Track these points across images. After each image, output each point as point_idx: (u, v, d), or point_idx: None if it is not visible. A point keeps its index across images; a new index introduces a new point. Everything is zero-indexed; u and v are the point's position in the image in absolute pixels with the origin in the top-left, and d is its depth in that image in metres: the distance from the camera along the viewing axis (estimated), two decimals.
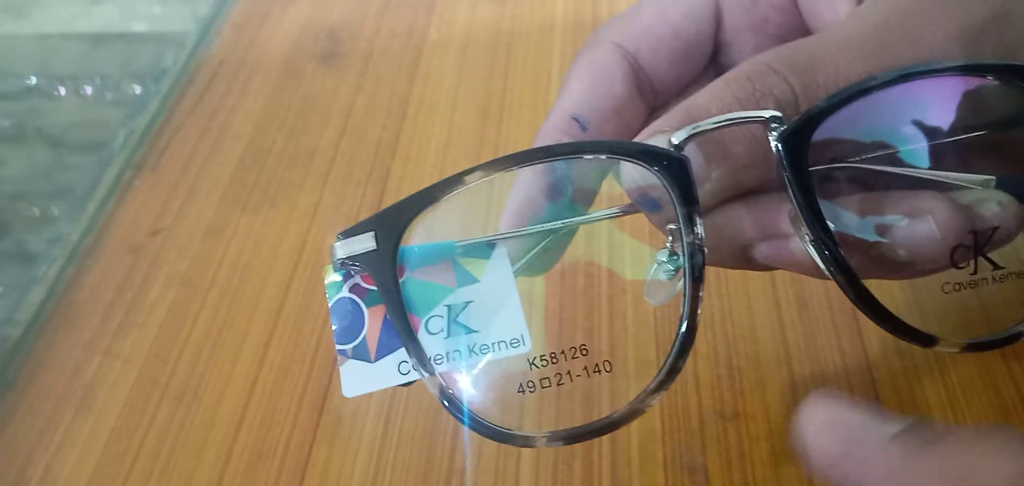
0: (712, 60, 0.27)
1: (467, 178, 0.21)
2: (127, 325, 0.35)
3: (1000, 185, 0.21)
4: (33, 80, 0.50)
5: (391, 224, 0.21)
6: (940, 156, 0.21)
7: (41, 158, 0.46)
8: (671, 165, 0.20)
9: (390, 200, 0.39)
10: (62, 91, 0.49)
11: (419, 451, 0.29)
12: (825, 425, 0.18)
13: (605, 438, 0.29)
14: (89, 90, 0.49)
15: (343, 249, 0.21)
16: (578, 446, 0.29)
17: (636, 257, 0.31)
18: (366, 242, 0.21)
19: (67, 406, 0.32)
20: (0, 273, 0.39)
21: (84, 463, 0.31)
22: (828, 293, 0.33)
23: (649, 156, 0.21)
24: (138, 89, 0.48)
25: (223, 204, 0.40)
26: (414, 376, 0.21)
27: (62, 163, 0.45)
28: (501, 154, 0.41)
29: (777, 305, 0.33)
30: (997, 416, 0.28)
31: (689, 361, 0.31)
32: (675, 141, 0.21)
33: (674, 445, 0.29)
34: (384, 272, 0.21)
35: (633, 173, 0.21)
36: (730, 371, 0.31)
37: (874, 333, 0.31)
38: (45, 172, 0.45)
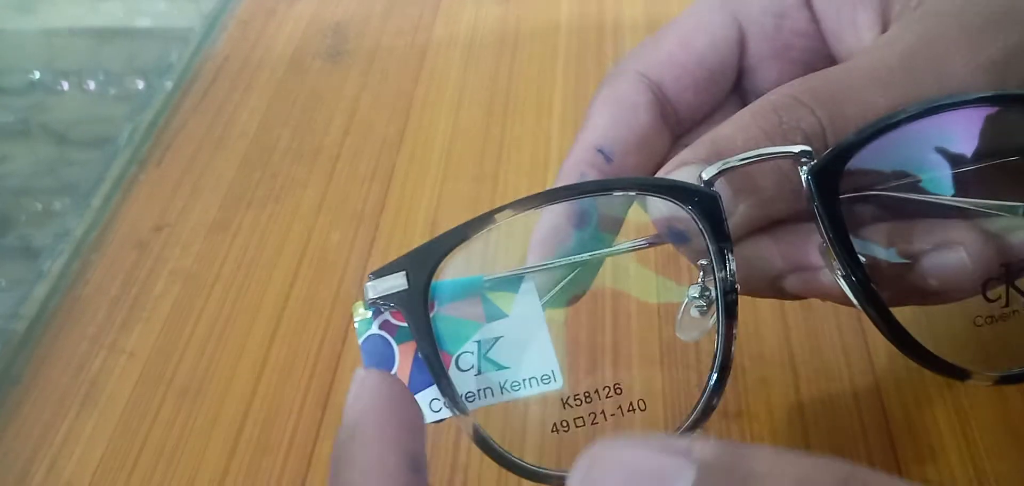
0: (735, 86, 0.27)
1: (498, 216, 0.21)
2: (131, 320, 0.35)
3: None
4: (37, 75, 0.51)
5: (422, 263, 0.21)
6: (970, 186, 0.21)
7: (46, 154, 0.46)
8: (702, 201, 0.20)
9: (394, 197, 0.39)
10: (66, 86, 0.49)
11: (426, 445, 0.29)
12: None
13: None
14: (93, 86, 0.49)
15: (375, 289, 0.21)
16: (575, 449, 0.28)
17: (666, 290, 0.31)
18: (397, 281, 0.21)
19: (72, 401, 0.32)
20: (4, 268, 0.39)
21: (89, 458, 0.31)
22: None
23: (680, 193, 0.21)
24: (142, 85, 0.48)
25: (227, 200, 0.40)
26: (446, 414, 0.21)
27: (66, 159, 0.45)
28: (506, 152, 0.41)
29: (781, 304, 0.32)
30: (1000, 417, 0.28)
31: (692, 358, 0.31)
32: (705, 177, 0.20)
33: None
34: (416, 310, 0.20)
35: (661, 207, 0.21)
36: (734, 369, 0.31)
37: (878, 334, 0.31)
38: (50, 168, 0.45)
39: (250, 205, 0.39)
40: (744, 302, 0.32)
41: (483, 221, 0.21)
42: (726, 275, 0.20)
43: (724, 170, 0.20)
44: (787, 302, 0.33)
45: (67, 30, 0.55)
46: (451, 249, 0.21)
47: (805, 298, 0.23)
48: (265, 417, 0.31)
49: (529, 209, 0.21)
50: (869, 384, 0.30)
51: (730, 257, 0.20)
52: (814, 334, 0.31)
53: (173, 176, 0.41)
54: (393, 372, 0.21)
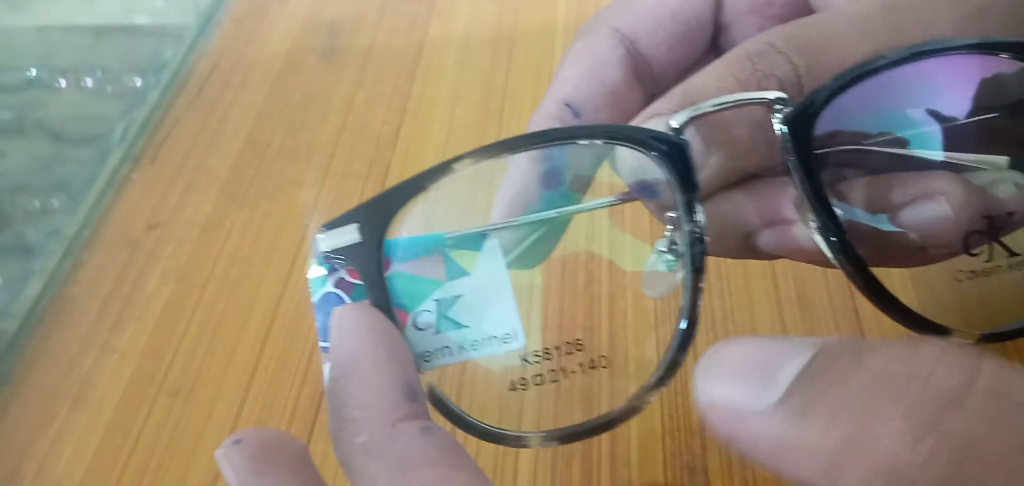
0: (712, 44, 0.26)
1: (456, 166, 0.20)
2: (123, 320, 0.35)
3: (1015, 167, 0.20)
4: (34, 72, 0.50)
5: (376, 215, 0.20)
6: (952, 139, 0.20)
7: (41, 151, 0.45)
8: (670, 149, 0.19)
9: None
10: (62, 83, 0.49)
11: None
12: (710, 409, 0.16)
13: (604, 436, 0.28)
14: (89, 83, 0.49)
15: (326, 242, 0.20)
16: (577, 444, 0.28)
17: (636, 248, 0.30)
18: (350, 234, 0.20)
19: (63, 401, 0.32)
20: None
21: (79, 458, 0.30)
22: (829, 291, 0.32)
23: (646, 140, 0.20)
24: (138, 82, 0.48)
25: (221, 198, 0.40)
26: None
27: (62, 156, 0.45)
28: None
29: (779, 304, 0.32)
30: None
31: (690, 359, 0.31)
32: (674, 125, 0.20)
33: (674, 444, 0.28)
34: (369, 265, 0.20)
35: (629, 159, 0.20)
36: None
37: (876, 333, 0.31)
38: (45, 165, 0.44)
39: (243, 204, 0.39)
40: (741, 302, 0.32)
41: (441, 170, 0.20)
42: (694, 227, 0.19)
43: (694, 117, 0.19)
44: (785, 302, 0.32)
45: (63, 27, 0.54)
46: (407, 200, 0.20)
47: (780, 257, 0.22)
48: (258, 418, 0.31)
49: (489, 157, 0.20)
50: None
51: (698, 208, 0.19)
52: (811, 334, 0.31)
53: (166, 174, 0.41)
54: None
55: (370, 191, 0.39)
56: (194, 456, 0.30)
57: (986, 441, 0.13)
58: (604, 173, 0.22)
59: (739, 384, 0.15)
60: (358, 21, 0.50)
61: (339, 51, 0.48)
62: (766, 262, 0.34)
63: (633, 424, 0.29)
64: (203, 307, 0.35)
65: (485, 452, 0.29)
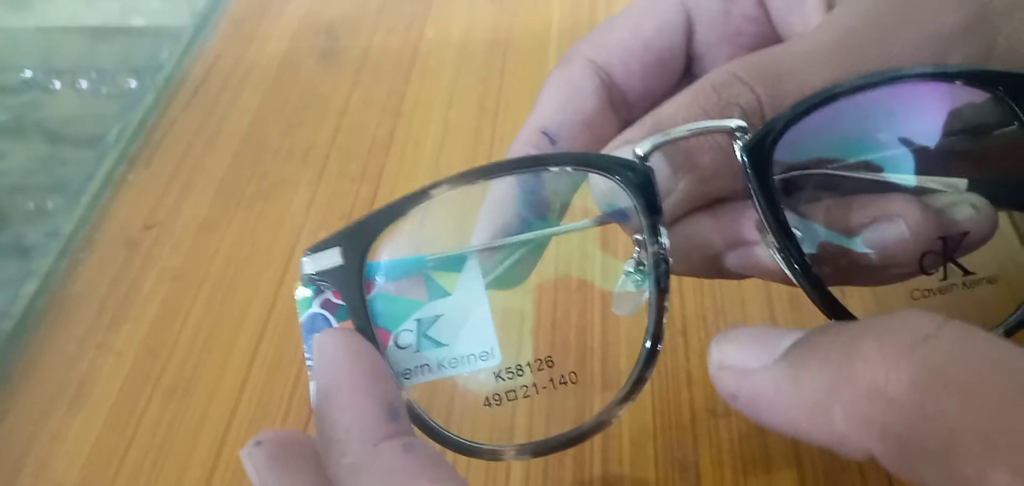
0: (685, 73, 0.27)
1: (433, 192, 0.21)
2: (120, 319, 0.35)
3: (973, 189, 0.21)
4: (30, 74, 0.51)
5: (357, 239, 0.21)
6: (910, 162, 0.21)
7: (39, 152, 0.46)
8: (635, 176, 0.20)
9: (384, 198, 0.39)
10: (58, 85, 0.49)
11: None
12: (719, 369, 0.18)
13: (596, 436, 0.29)
14: (86, 84, 0.49)
15: (311, 265, 0.21)
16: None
17: (609, 270, 0.31)
18: (333, 257, 0.21)
19: (61, 400, 0.32)
20: None
21: (77, 456, 0.31)
22: None
23: (612, 167, 0.21)
24: (134, 83, 0.48)
25: (218, 199, 0.40)
26: None
27: (59, 157, 0.45)
28: (496, 153, 0.41)
29: (770, 303, 0.33)
30: None
31: (681, 358, 0.31)
32: (639, 152, 0.21)
33: (666, 442, 0.29)
34: (351, 287, 0.21)
35: (601, 184, 0.21)
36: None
37: None
38: (43, 166, 0.45)
39: (240, 204, 0.39)
40: (733, 301, 0.33)
41: (419, 197, 0.21)
42: (658, 249, 0.20)
43: (659, 145, 0.20)
44: (776, 301, 0.33)
45: (61, 28, 0.55)
46: (387, 224, 0.21)
47: (746, 276, 0.23)
48: (252, 416, 0.31)
49: (464, 184, 0.21)
50: None
51: (662, 231, 0.20)
52: (802, 327, 0.31)
53: (163, 175, 0.41)
54: None
55: (365, 193, 0.40)
56: (190, 454, 0.30)
57: (952, 367, 0.15)
58: (581, 197, 0.23)
59: (746, 346, 0.18)
60: (355, 23, 0.50)
61: (336, 53, 0.48)
62: None
63: (625, 422, 0.29)
64: (199, 306, 0.35)
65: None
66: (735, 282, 0.33)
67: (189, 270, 0.37)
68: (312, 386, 0.20)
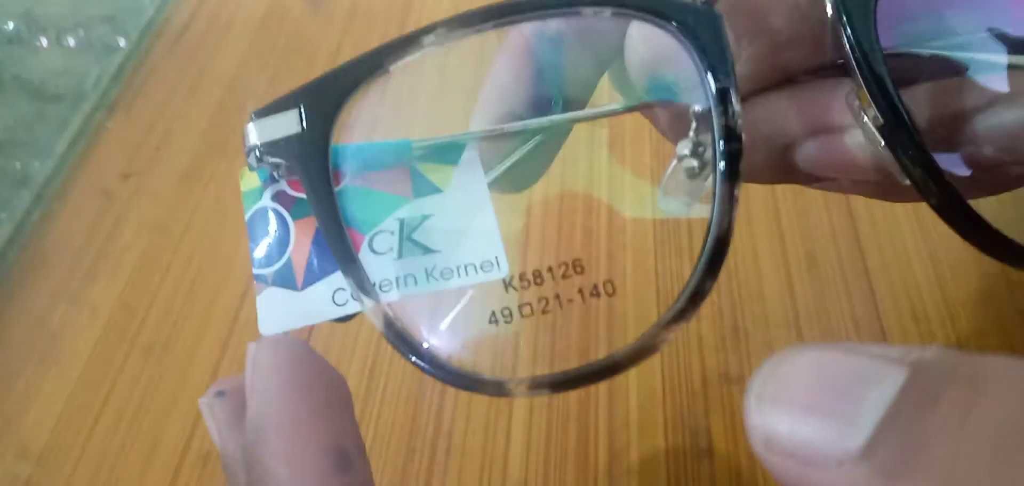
0: None
1: (425, 39, 0.16)
2: (95, 273, 0.33)
3: None
4: (11, 25, 0.48)
5: (322, 99, 0.16)
6: None
7: (22, 110, 0.43)
8: (698, 23, 0.16)
9: None
10: (44, 42, 0.47)
11: (404, 409, 0.28)
12: (767, 449, 0.12)
13: (602, 397, 0.27)
14: (72, 42, 0.46)
15: (259, 132, 0.15)
16: (574, 405, 0.27)
17: (639, 166, 0.26)
18: (289, 123, 0.15)
19: (30, 357, 0.30)
20: None
21: (47, 415, 0.29)
22: (839, 252, 0.31)
23: (668, 11, 0.16)
24: (115, 28, 0.45)
25: (201, 149, 0.38)
26: (353, 307, 0.16)
27: (43, 113, 0.43)
28: None
29: (786, 264, 0.31)
30: None
31: (692, 320, 0.30)
32: None
33: (675, 407, 0.27)
34: (313, 165, 0.16)
35: (642, 46, 0.17)
36: (735, 332, 0.29)
37: (887, 296, 0.30)
38: (27, 122, 0.42)
39: (224, 154, 0.37)
40: (747, 262, 0.31)
41: (405, 45, 0.16)
42: (728, 120, 0.15)
43: None
44: (793, 262, 0.31)
45: None
46: (360, 82, 0.16)
47: (820, 177, 0.18)
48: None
49: (468, 30, 0.16)
50: None
51: (733, 97, 0.15)
52: (820, 297, 0.30)
53: (143, 123, 0.39)
54: (287, 255, 0.16)
55: None
56: (168, 415, 0.28)
57: None
58: (602, 88, 0.18)
59: (807, 419, 0.12)
60: None
61: None
62: (772, 219, 0.32)
63: (632, 385, 0.27)
64: (179, 261, 0.33)
65: (476, 411, 0.27)
66: (748, 240, 0.31)
67: (169, 222, 0.35)
68: (248, 352, 0.15)
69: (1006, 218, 0.16)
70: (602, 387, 0.20)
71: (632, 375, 0.18)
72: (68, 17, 0.47)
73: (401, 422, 0.27)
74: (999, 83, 0.17)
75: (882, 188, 0.17)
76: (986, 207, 0.16)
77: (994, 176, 0.17)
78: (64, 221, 0.35)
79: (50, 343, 0.31)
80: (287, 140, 0.15)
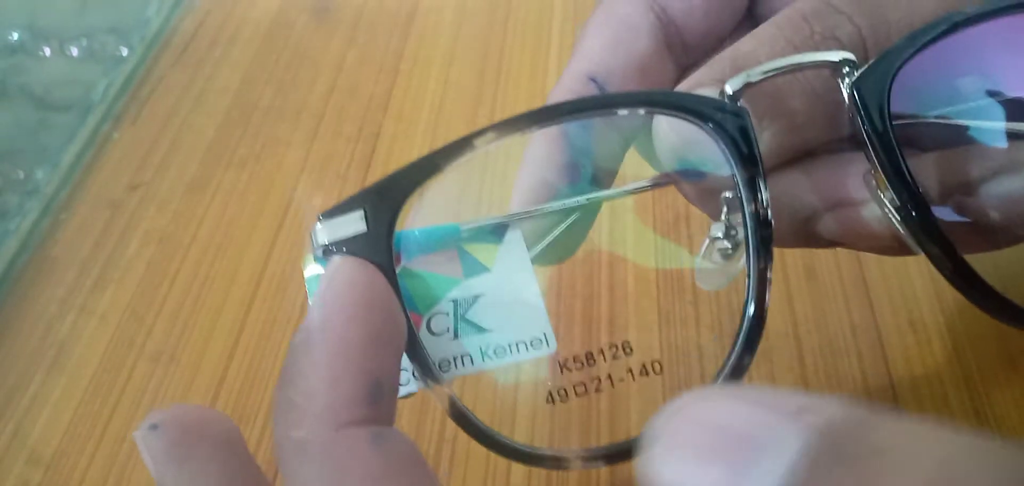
0: (748, 13, 0.24)
1: (477, 142, 0.17)
2: (103, 281, 0.33)
3: None
4: (16, 36, 0.48)
5: (385, 200, 0.17)
6: None
7: (24, 117, 0.44)
8: (727, 118, 0.17)
9: (381, 159, 0.37)
10: (48, 51, 0.47)
11: (409, 418, 0.28)
12: None
13: (603, 410, 0.27)
14: (71, 41, 0.47)
15: (326, 233, 0.17)
16: (576, 416, 0.27)
17: (668, 241, 0.27)
18: (354, 223, 0.17)
19: (39, 364, 0.31)
20: None
21: (56, 422, 0.29)
22: (838, 263, 0.31)
23: (700, 109, 0.17)
24: (121, 39, 0.46)
25: (207, 159, 0.38)
26: (415, 386, 0.17)
27: (46, 122, 0.43)
28: (500, 114, 0.39)
29: (785, 274, 0.31)
30: (1017, 397, 0.27)
31: (692, 331, 0.30)
32: (729, 91, 0.17)
33: None
34: (378, 261, 0.17)
35: (671, 134, 0.18)
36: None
37: (886, 305, 0.30)
38: (31, 131, 0.43)
39: (230, 164, 0.38)
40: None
41: (459, 148, 0.17)
42: (758, 207, 0.17)
43: (751, 83, 0.17)
44: (791, 272, 0.31)
45: None
46: (419, 183, 0.17)
47: (842, 245, 0.20)
48: (242, 385, 0.30)
49: (516, 132, 0.18)
50: (877, 360, 0.28)
51: (761, 186, 0.17)
52: (819, 306, 0.30)
53: (149, 133, 0.40)
54: None
55: (361, 153, 0.38)
56: None
57: None
58: (628, 162, 0.20)
59: (702, 468, 0.11)
60: None
61: (331, 10, 0.46)
62: None
63: (634, 397, 0.27)
64: (186, 269, 0.33)
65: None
66: None
67: (176, 232, 0.35)
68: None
69: (1010, 276, 0.18)
70: (604, 397, 0.21)
71: (633, 386, 0.19)
72: (71, 27, 0.47)
73: (405, 431, 0.28)
74: (1005, 150, 0.18)
75: (898, 250, 0.18)
76: (995, 266, 0.18)
77: (999, 236, 0.18)
78: (72, 231, 0.36)
79: (59, 351, 0.31)
80: (354, 238, 0.17)
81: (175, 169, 0.38)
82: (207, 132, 0.39)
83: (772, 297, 0.30)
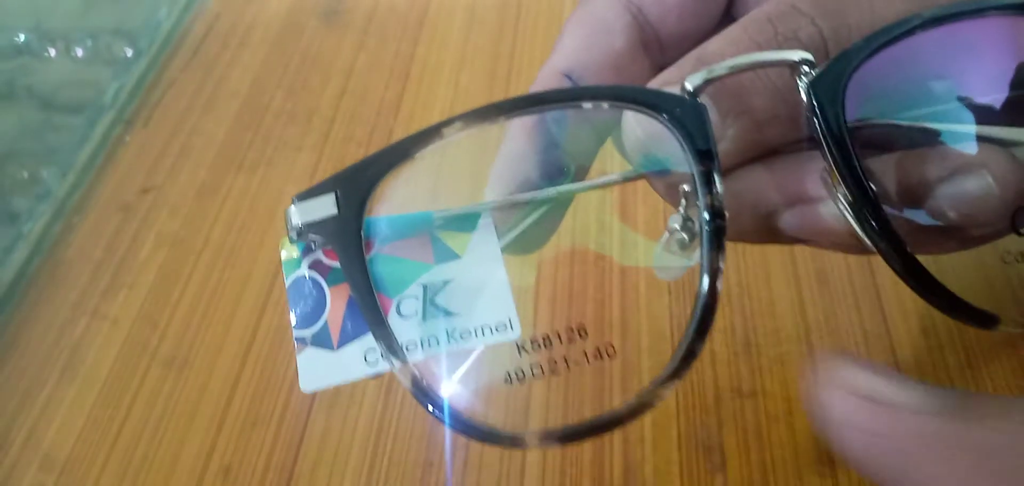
0: (726, 14, 0.24)
1: (445, 130, 0.18)
2: (116, 286, 0.33)
3: None
4: (23, 37, 0.48)
5: (355, 184, 0.18)
6: (995, 111, 0.19)
7: (31, 118, 0.44)
8: (685, 114, 0.18)
9: None
10: (53, 52, 0.47)
11: (422, 423, 0.28)
12: (853, 406, 0.14)
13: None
14: (80, 49, 0.47)
15: (300, 214, 0.18)
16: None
17: (640, 234, 0.28)
18: (326, 206, 0.18)
19: (52, 368, 0.31)
20: None
21: (69, 426, 0.29)
22: (849, 268, 0.31)
23: (659, 103, 0.18)
24: (131, 43, 0.46)
25: (218, 162, 0.38)
26: (383, 366, 0.18)
27: (53, 122, 0.43)
28: None
29: (797, 280, 0.31)
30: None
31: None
32: (689, 87, 0.18)
33: (689, 423, 0.27)
34: (347, 242, 0.18)
35: (636, 128, 0.19)
36: (747, 347, 0.29)
37: (896, 310, 0.30)
38: (36, 131, 0.43)
39: (241, 168, 0.38)
40: (758, 278, 0.31)
41: (428, 136, 0.18)
42: (712, 200, 0.17)
43: (710, 80, 0.18)
44: (804, 278, 0.31)
45: None
46: (389, 168, 0.18)
47: (802, 240, 0.20)
48: (255, 388, 0.30)
49: (483, 122, 0.18)
50: (888, 364, 0.28)
51: (717, 179, 0.17)
52: (831, 312, 0.30)
53: (161, 137, 0.40)
54: (323, 319, 0.18)
55: None
56: (189, 427, 0.29)
57: None
58: (603, 155, 0.20)
59: (884, 378, 0.15)
60: None
61: (341, 13, 0.46)
62: None
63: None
64: (199, 274, 0.34)
65: None
66: (760, 257, 0.32)
67: (188, 235, 0.35)
68: (298, 356, 0.17)
69: (969, 278, 0.18)
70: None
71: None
72: (76, 28, 0.47)
73: (419, 435, 0.28)
74: (963, 151, 0.18)
75: (857, 248, 0.19)
76: (951, 267, 0.18)
77: (958, 237, 0.19)
78: (84, 235, 0.36)
79: (72, 355, 0.31)
80: (324, 221, 0.18)
81: (186, 173, 0.38)
82: (218, 135, 0.40)
83: (784, 302, 0.30)
